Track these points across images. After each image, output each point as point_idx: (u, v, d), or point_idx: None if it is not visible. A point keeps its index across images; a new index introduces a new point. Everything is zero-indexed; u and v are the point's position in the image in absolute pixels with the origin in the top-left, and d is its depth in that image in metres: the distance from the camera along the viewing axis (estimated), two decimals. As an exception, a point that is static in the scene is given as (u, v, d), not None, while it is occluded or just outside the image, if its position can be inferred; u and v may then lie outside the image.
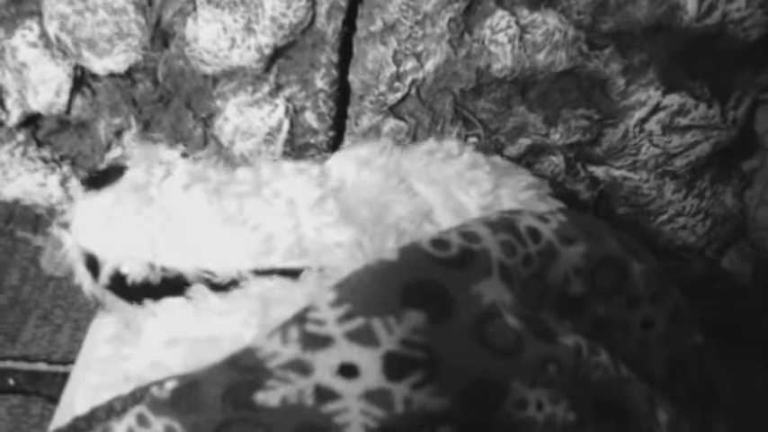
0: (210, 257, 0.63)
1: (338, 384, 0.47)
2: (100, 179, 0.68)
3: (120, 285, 0.65)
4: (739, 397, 0.66)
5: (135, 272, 0.64)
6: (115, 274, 0.65)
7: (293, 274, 0.62)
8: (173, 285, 0.63)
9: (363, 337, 0.47)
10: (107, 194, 0.66)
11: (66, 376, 0.68)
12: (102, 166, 0.77)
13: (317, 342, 0.48)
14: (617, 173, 0.81)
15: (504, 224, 0.55)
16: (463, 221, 0.56)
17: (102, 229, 0.65)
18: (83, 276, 0.67)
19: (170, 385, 0.51)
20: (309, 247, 0.63)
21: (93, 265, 0.66)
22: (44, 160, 0.81)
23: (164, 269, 0.64)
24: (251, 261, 0.63)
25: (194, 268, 0.63)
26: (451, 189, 0.67)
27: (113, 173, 0.68)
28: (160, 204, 0.65)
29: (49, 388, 0.77)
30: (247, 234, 0.63)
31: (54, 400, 0.69)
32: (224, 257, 0.63)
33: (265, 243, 0.63)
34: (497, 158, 0.75)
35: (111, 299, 0.67)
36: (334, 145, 0.79)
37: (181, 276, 0.63)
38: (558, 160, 0.79)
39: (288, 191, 0.66)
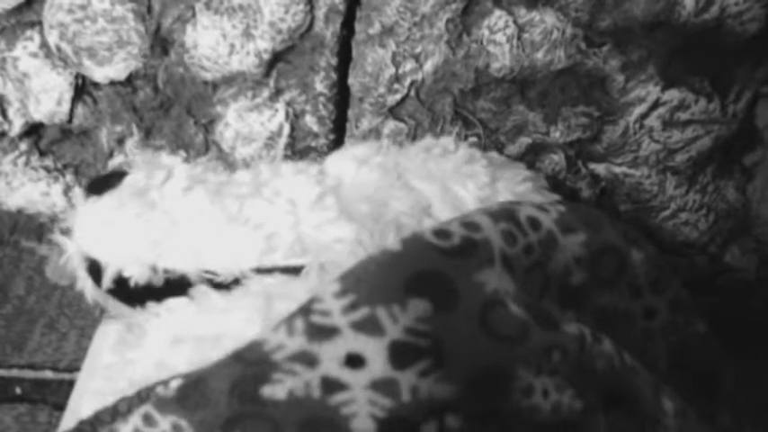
0: (213, 257, 0.63)
1: (345, 375, 0.47)
2: (101, 184, 0.68)
3: (122, 290, 0.65)
4: (746, 393, 0.66)
5: (137, 274, 0.64)
6: (118, 278, 0.65)
7: (295, 271, 0.62)
8: (175, 287, 0.64)
9: (369, 327, 0.47)
10: (108, 199, 0.66)
11: (72, 384, 0.68)
12: (103, 172, 0.77)
13: (322, 333, 0.48)
14: (618, 170, 0.81)
15: (505, 214, 0.55)
16: (458, 212, 0.57)
17: (104, 233, 0.65)
18: (85, 282, 0.67)
19: (175, 383, 0.51)
20: (310, 244, 0.63)
21: (95, 270, 0.66)
22: (47, 169, 0.81)
23: (166, 271, 0.64)
24: (253, 260, 0.63)
25: (197, 269, 0.63)
26: (449, 183, 0.67)
27: (114, 178, 0.68)
28: (162, 207, 0.65)
29: (56, 396, 0.77)
30: (249, 233, 0.63)
31: (60, 407, 0.69)
32: (226, 257, 0.63)
33: (267, 242, 0.63)
34: (494, 154, 0.75)
35: (113, 305, 0.67)
36: (335, 148, 0.79)
37: (184, 277, 0.63)
38: (558, 158, 0.79)
39: (288, 190, 0.66)
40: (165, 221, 0.65)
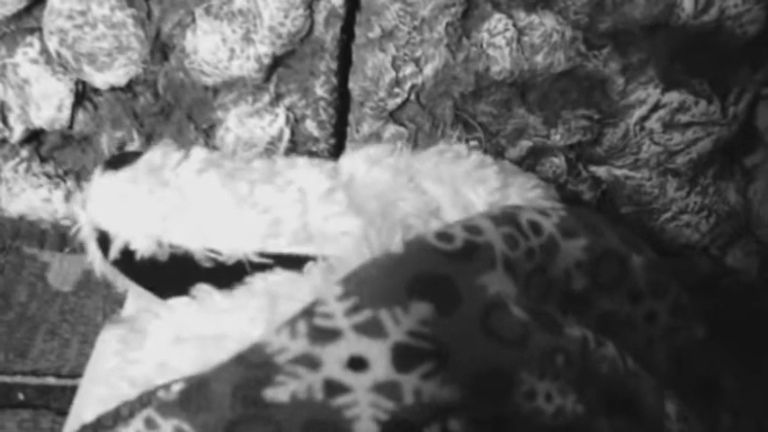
0: (218, 237, 0.64)
1: (347, 378, 0.47)
2: (118, 161, 0.69)
3: (128, 263, 0.66)
4: (748, 397, 0.66)
5: (144, 247, 0.65)
6: (125, 249, 0.65)
7: (298, 260, 0.62)
8: (179, 265, 0.64)
9: (371, 330, 0.47)
10: (123, 175, 0.67)
11: (74, 390, 0.68)
12: (121, 151, 0.78)
13: (325, 335, 0.48)
14: (619, 172, 0.81)
15: (507, 218, 0.55)
16: (467, 216, 0.57)
17: (116, 206, 0.66)
18: (94, 254, 0.68)
19: (177, 386, 0.51)
20: (316, 234, 0.63)
21: (104, 243, 0.66)
22: (48, 176, 0.81)
23: (172, 246, 0.64)
24: (257, 243, 0.63)
25: (202, 247, 0.64)
26: (460, 187, 0.67)
27: (131, 156, 0.69)
28: (174, 185, 0.66)
29: (59, 401, 0.77)
30: (256, 216, 0.64)
31: (63, 413, 0.69)
32: (231, 237, 0.64)
33: (273, 226, 0.63)
34: (505, 162, 0.75)
35: (121, 280, 0.68)
36: (336, 153, 0.79)
37: (188, 254, 0.64)
38: (559, 161, 0.79)
39: (300, 180, 0.67)
40: (175, 199, 0.65)
